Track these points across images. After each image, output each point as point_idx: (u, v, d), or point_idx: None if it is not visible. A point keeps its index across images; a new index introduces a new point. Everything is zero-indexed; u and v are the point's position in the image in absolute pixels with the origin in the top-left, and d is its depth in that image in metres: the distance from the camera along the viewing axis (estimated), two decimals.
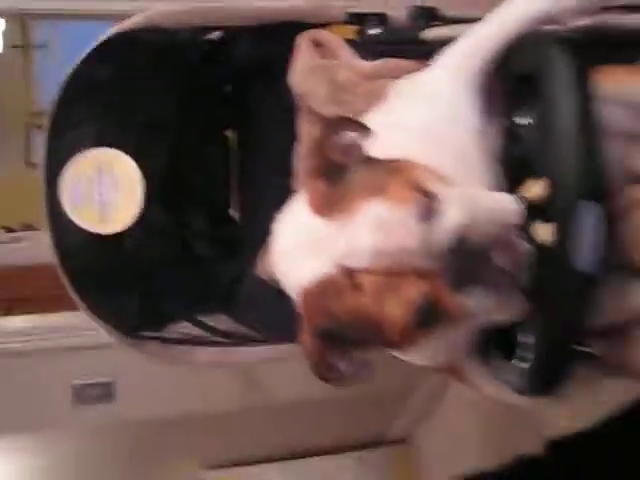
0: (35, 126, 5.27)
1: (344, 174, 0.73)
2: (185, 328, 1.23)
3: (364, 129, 0.77)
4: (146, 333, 1.17)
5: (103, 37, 1.06)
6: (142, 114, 1.18)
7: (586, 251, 0.72)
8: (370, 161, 0.75)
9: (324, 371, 0.75)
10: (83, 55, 1.04)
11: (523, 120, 0.80)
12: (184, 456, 2.82)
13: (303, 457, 2.87)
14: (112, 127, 1.13)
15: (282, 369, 2.43)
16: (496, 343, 0.89)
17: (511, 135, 0.82)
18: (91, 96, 1.09)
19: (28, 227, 3.91)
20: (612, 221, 0.88)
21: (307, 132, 1.21)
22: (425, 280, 0.66)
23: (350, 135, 0.76)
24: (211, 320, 1.27)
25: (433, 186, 0.69)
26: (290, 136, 1.22)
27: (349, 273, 0.69)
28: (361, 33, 1.19)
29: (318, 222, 0.72)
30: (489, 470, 1.42)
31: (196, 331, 1.23)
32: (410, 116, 0.85)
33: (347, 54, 1.14)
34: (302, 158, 1.03)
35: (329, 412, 2.82)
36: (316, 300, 0.72)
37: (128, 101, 1.14)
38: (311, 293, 0.72)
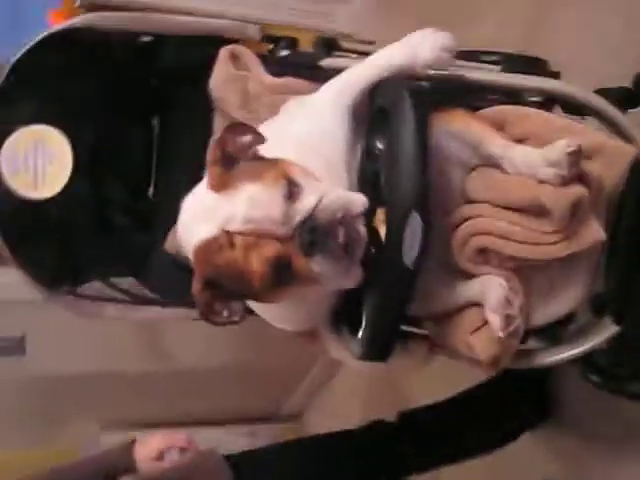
0: None
1: (236, 164, 0.96)
2: (97, 287, 1.42)
3: (258, 136, 0.99)
4: (61, 287, 1.36)
5: (48, 32, 1.24)
6: (75, 98, 1.35)
7: (410, 251, 0.95)
8: (257, 157, 0.97)
9: (210, 314, 0.97)
10: (27, 46, 1.22)
11: (380, 144, 1.04)
12: (85, 416, 2.93)
13: (198, 425, 3.02)
14: (49, 108, 1.30)
15: (186, 337, 2.63)
16: (347, 318, 1.13)
17: (370, 154, 1.06)
18: (32, 81, 1.26)
19: None
20: (448, 231, 1.14)
21: (220, 130, 1.42)
22: (282, 244, 0.89)
23: (246, 138, 0.98)
24: (122, 283, 1.46)
25: (300, 179, 0.92)
26: (205, 130, 1.42)
27: (227, 234, 0.91)
28: (273, 52, 1.41)
29: (211, 196, 0.94)
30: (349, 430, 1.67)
31: (108, 290, 1.43)
32: (293, 129, 1.07)
33: (258, 69, 1.35)
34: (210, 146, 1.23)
35: (227, 383, 3.00)
36: (204, 255, 0.94)
37: (64, 86, 1.32)
38: (200, 250, 0.94)
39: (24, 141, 1.25)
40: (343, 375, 3.04)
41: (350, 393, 3.00)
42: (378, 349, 1.04)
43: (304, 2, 2.75)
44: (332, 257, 0.90)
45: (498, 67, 1.53)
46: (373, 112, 1.06)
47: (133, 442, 1.54)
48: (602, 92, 1.33)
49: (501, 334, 1.06)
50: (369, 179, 1.04)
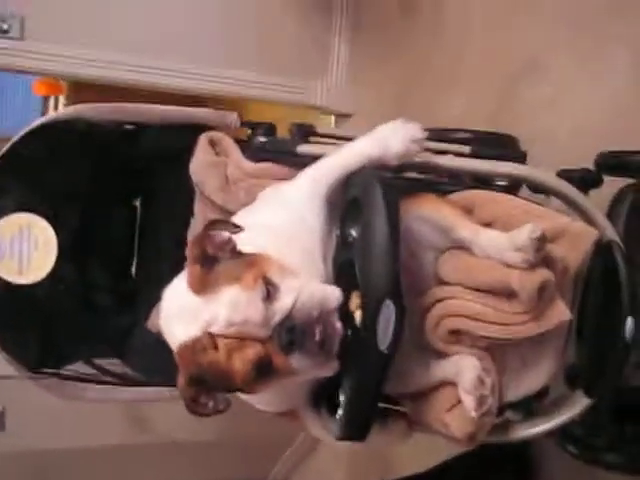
0: None
1: (216, 264, 0.99)
2: (81, 367, 1.44)
3: (235, 228, 1.03)
4: (45, 369, 1.38)
5: (37, 123, 1.30)
6: (59, 185, 1.40)
7: (385, 336, 0.99)
8: (236, 255, 1.01)
9: (194, 407, 1.00)
10: (15, 138, 1.27)
11: (354, 232, 1.09)
12: None
13: None
14: (33, 195, 1.34)
15: (168, 410, 2.61)
16: (326, 399, 1.16)
17: (345, 242, 1.10)
18: (17, 170, 1.31)
19: None
20: (421, 313, 1.18)
21: (201, 211, 1.47)
22: (262, 345, 0.92)
23: (224, 234, 1.02)
24: (105, 363, 1.48)
25: (277, 279, 0.96)
26: (186, 212, 1.47)
27: (210, 337, 0.94)
28: (251, 137, 1.47)
29: (192, 298, 0.97)
30: None
31: (90, 371, 1.44)
32: (269, 218, 1.12)
33: (236, 154, 1.40)
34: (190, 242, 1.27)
35: (212, 454, 2.98)
36: (188, 354, 0.97)
37: (49, 174, 1.37)
38: (185, 349, 0.97)
39: (9, 228, 1.29)
40: (326, 446, 3.04)
41: (335, 460, 2.99)
42: (356, 429, 1.06)
43: (282, 78, 2.86)
44: (309, 353, 0.93)
45: (467, 147, 1.61)
46: (347, 201, 1.11)
47: None
48: (565, 173, 1.40)
49: (474, 414, 1.09)
50: (344, 266, 1.08)
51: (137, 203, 1.63)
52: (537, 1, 1.90)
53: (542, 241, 1.06)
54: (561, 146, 1.75)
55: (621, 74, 1.62)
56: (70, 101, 5.84)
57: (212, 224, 1.02)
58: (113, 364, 1.49)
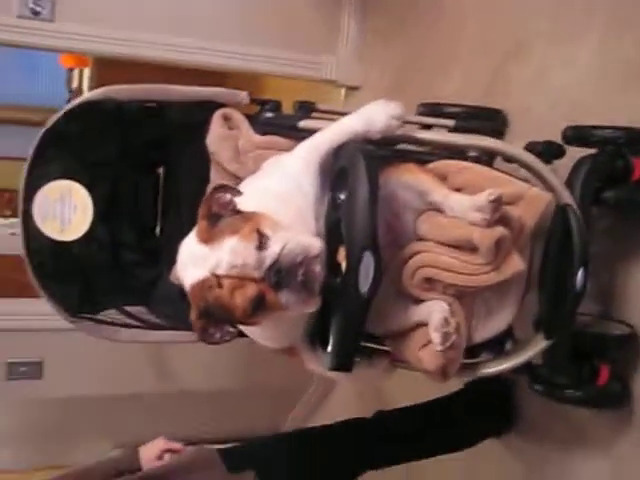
0: None
1: (220, 219, 1.20)
2: (114, 314, 1.67)
3: (237, 192, 1.24)
4: (83, 315, 1.61)
5: (73, 104, 1.51)
6: (94, 156, 1.62)
7: (365, 282, 1.19)
8: (236, 213, 1.22)
9: (205, 336, 1.22)
10: (56, 116, 1.49)
11: (342, 196, 1.29)
12: (99, 436, 3.15)
13: (205, 443, 3.24)
14: (72, 165, 1.56)
15: (191, 361, 2.86)
16: (320, 337, 1.37)
17: (334, 204, 1.30)
18: (58, 144, 1.52)
19: None
20: (402, 264, 1.38)
21: (215, 178, 1.67)
22: (257, 284, 1.14)
23: (227, 196, 1.22)
24: (135, 311, 1.71)
25: (269, 231, 1.17)
26: (203, 178, 1.68)
27: (216, 277, 1.15)
28: (259, 113, 1.66)
29: (200, 247, 1.18)
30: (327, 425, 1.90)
31: (122, 317, 1.67)
32: (271, 183, 1.33)
33: (246, 128, 1.60)
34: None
35: (230, 404, 3.22)
36: (198, 292, 1.18)
37: (84, 148, 1.58)
38: (195, 288, 1.18)
39: (52, 193, 1.51)
40: (338, 392, 3.26)
41: (344, 406, 3.20)
42: (342, 361, 1.27)
43: (295, 54, 3.04)
44: (294, 291, 1.14)
45: (452, 121, 1.80)
46: (336, 170, 1.30)
47: (136, 449, 1.77)
48: (531, 145, 1.59)
49: (440, 348, 1.29)
50: (334, 224, 1.28)
51: (160, 171, 1.85)
52: None
53: (498, 203, 1.25)
54: (541, 119, 1.92)
55: (590, 57, 1.80)
56: (94, 73, 6.06)
57: (217, 188, 1.23)
58: (141, 312, 1.71)
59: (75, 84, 6.15)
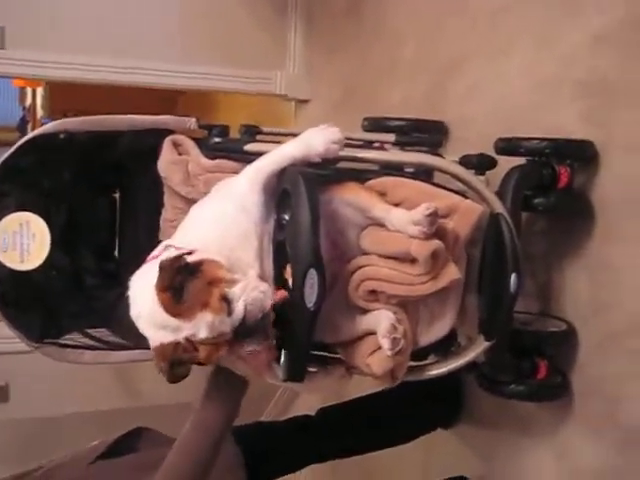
0: None
1: (181, 290, 1.21)
2: (76, 337, 1.72)
3: (186, 252, 1.28)
4: (47, 340, 1.66)
5: (28, 137, 1.57)
6: (49, 185, 1.67)
7: (311, 297, 1.28)
8: (189, 272, 1.23)
9: (170, 378, 1.29)
10: (9, 152, 1.55)
11: (286, 216, 1.37)
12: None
13: None
14: (28, 197, 1.62)
15: (156, 376, 2.90)
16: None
17: (280, 224, 1.38)
18: (12, 178, 1.58)
19: None
20: (348, 278, 1.47)
21: (169, 201, 1.75)
22: (228, 342, 1.23)
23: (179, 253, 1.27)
24: (95, 332, 1.77)
25: (230, 292, 1.22)
26: (157, 200, 1.75)
27: (189, 342, 1.22)
28: (208, 137, 1.74)
29: (168, 317, 1.22)
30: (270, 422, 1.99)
31: (84, 339, 1.73)
32: (215, 205, 1.40)
33: (195, 153, 1.67)
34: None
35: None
36: (170, 351, 1.24)
37: (40, 179, 1.64)
38: (166, 347, 1.24)
39: (12, 225, 1.57)
40: (303, 398, 3.34)
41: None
42: (295, 372, 1.36)
43: (245, 70, 3.12)
44: (255, 336, 1.25)
45: (392, 136, 1.90)
46: (280, 192, 1.39)
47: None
48: (465, 158, 1.70)
49: (390, 353, 1.38)
50: (280, 244, 1.36)
51: (116, 196, 1.91)
52: (461, 7, 2.18)
53: (434, 216, 1.35)
54: (478, 130, 2.03)
55: (520, 73, 1.92)
56: (47, 91, 6.05)
57: (170, 260, 1.24)
58: (104, 333, 1.77)
59: (29, 101, 6.15)
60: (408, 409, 2.10)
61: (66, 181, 1.72)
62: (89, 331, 1.74)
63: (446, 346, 1.64)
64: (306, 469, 2.04)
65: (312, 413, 2.09)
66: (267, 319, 1.25)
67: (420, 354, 1.59)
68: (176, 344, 1.23)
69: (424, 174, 1.62)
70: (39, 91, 5.96)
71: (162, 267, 1.23)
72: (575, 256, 1.72)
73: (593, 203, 1.66)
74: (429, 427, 2.13)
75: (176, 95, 3.66)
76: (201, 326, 1.21)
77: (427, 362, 1.61)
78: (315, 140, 1.40)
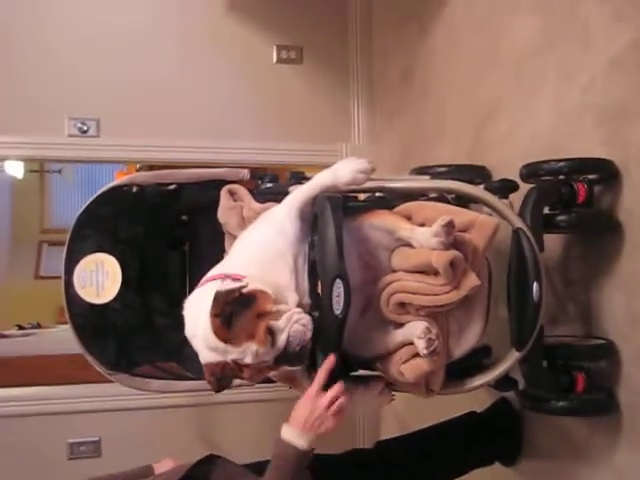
0: (46, 242, 6.04)
1: (232, 318, 1.38)
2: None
3: (242, 286, 1.44)
4: (119, 369, 1.86)
5: (103, 189, 1.83)
6: (124, 234, 1.92)
7: (338, 305, 1.42)
8: (241, 304, 1.39)
9: (216, 388, 1.45)
10: (90, 199, 1.81)
11: (316, 237, 1.53)
12: None
13: None
14: (104, 241, 1.87)
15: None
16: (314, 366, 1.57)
17: (312, 245, 1.54)
18: (93, 224, 1.84)
19: (36, 326, 4.77)
20: (379, 292, 1.60)
21: (229, 245, 1.95)
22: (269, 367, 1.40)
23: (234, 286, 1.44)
24: (165, 365, 1.96)
25: (275, 324, 1.38)
26: (219, 247, 1.95)
27: (238, 364, 1.38)
28: (260, 185, 1.95)
29: (218, 341, 1.38)
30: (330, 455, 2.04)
31: (154, 371, 1.92)
32: (256, 233, 1.58)
33: (248, 199, 1.88)
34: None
35: None
36: (218, 368, 1.40)
37: (114, 226, 1.89)
38: (215, 365, 1.41)
39: (89, 265, 1.81)
40: None
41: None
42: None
43: (315, 144, 3.39)
44: (294, 360, 1.42)
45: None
46: (313, 216, 1.56)
47: (151, 466, 1.89)
48: (490, 184, 1.82)
49: (426, 352, 1.48)
50: (313, 262, 1.52)
51: (186, 248, 2.14)
52: (493, 56, 2.36)
53: (450, 226, 1.47)
54: (516, 168, 2.15)
55: (547, 108, 2.05)
56: None
57: (220, 294, 1.39)
58: (172, 366, 1.96)
59: None
60: (466, 444, 2.13)
61: (139, 234, 1.96)
62: (158, 364, 1.93)
63: (479, 362, 1.73)
64: None
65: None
66: (306, 349, 1.41)
67: (456, 371, 1.67)
68: (224, 364, 1.40)
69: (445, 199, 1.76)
70: None
71: (217, 297, 1.39)
72: (608, 274, 1.78)
73: (620, 221, 1.73)
74: (486, 462, 2.14)
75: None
76: (247, 353, 1.37)
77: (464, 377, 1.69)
78: (343, 169, 1.57)
